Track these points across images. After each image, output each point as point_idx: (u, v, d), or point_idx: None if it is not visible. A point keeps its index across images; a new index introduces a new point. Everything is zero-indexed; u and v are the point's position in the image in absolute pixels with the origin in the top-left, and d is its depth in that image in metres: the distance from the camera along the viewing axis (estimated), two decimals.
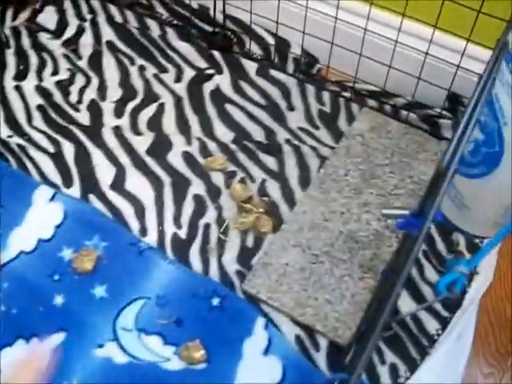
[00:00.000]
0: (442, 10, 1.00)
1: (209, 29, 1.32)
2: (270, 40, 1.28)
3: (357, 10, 1.15)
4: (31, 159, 1.14)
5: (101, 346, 0.93)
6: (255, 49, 1.29)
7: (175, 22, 1.35)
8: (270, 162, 1.15)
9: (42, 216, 1.07)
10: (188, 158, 1.15)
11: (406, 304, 0.99)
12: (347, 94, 1.23)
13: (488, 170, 0.67)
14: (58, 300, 0.97)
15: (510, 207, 0.70)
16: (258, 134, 1.19)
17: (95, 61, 1.30)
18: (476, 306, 1.02)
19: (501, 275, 1.06)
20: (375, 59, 1.15)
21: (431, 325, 0.98)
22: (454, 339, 0.98)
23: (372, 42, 1.15)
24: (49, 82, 1.27)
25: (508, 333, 1.01)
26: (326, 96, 1.24)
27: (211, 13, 1.30)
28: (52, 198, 1.09)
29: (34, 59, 1.31)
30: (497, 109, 0.62)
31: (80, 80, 1.27)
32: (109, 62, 1.30)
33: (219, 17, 1.29)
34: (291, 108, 1.22)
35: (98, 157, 1.15)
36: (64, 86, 1.26)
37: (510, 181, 0.66)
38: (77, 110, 1.22)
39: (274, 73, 1.27)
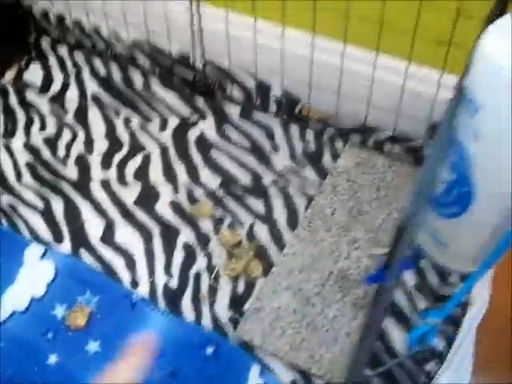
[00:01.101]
0: (414, 43, 1.02)
1: (190, 76, 1.34)
2: (251, 83, 1.29)
3: (332, 48, 1.16)
4: (21, 217, 1.15)
5: None
6: (237, 93, 1.31)
7: (158, 71, 1.37)
8: (258, 205, 1.16)
9: (34, 274, 1.08)
10: (176, 206, 1.16)
11: (400, 341, 0.99)
12: (330, 132, 1.24)
13: (462, 210, 0.68)
14: (52, 359, 0.98)
15: (487, 245, 0.71)
16: (244, 178, 1.20)
17: (81, 114, 1.32)
18: (472, 337, 1.01)
19: (496, 305, 1.05)
20: (354, 95, 1.16)
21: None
22: (452, 373, 0.97)
23: (350, 78, 1.16)
24: (36, 139, 1.28)
25: (507, 363, 1.01)
26: (309, 134, 1.25)
27: (191, 60, 1.31)
28: (43, 256, 1.10)
29: (21, 116, 1.33)
30: (463, 150, 0.62)
31: (67, 135, 1.29)
32: (94, 115, 1.32)
33: (200, 63, 1.31)
34: (276, 149, 1.24)
35: (86, 211, 1.16)
36: (51, 142, 1.28)
37: (483, 219, 0.66)
38: (64, 164, 1.24)
39: (256, 115, 1.28)
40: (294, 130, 1.26)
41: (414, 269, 0.99)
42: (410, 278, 1.04)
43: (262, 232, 1.12)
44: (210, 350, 0.99)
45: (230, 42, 1.23)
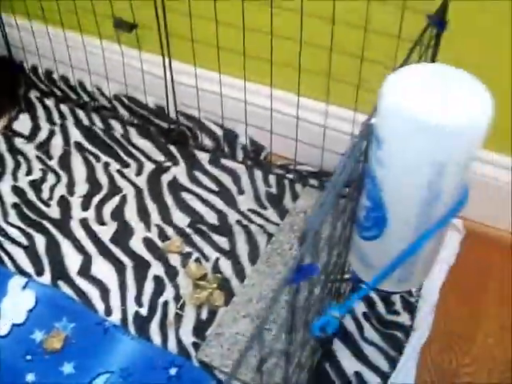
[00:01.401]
0: (358, 95, 1.15)
1: (165, 126, 1.47)
2: (219, 132, 1.42)
3: (288, 100, 1.29)
4: (6, 252, 1.26)
5: None
6: (207, 141, 1.44)
7: (136, 121, 1.50)
8: (223, 241, 1.27)
9: (16, 303, 1.18)
10: (148, 242, 1.27)
11: (348, 362, 1.09)
12: (291, 176, 1.37)
13: (379, 233, 0.79)
14: (30, 378, 1.07)
15: (407, 264, 0.82)
16: (211, 217, 1.31)
17: (65, 160, 1.45)
18: (415, 360, 1.11)
19: (439, 330, 1.16)
20: (311, 143, 1.29)
21: (373, 379, 1.07)
22: None
23: (306, 127, 1.29)
24: (23, 182, 1.40)
25: (447, 382, 1.10)
26: (272, 179, 1.37)
27: (166, 111, 1.45)
28: (25, 286, 1.20)
29: (10, 162, 1.45)
30: (374, 179, 0.74)
31: (51, 178, 1.41)
32: (77, 160, 1.44)
33: (174, 114, 1.44)
34: (241, 192, 1.36)
35: (66, 247, 1.27)
36: (36, 185, 1.40)
37: (398, 240, 0.78)
38: (48, 205, 1.35)
39: (224, 161, 1.41)
40: (258, 174, 1.38)
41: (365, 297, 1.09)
42: (359, 306, 1.15)
43: (226, 266, 1.23)
44: (173, 371, 1.08)
45: (199, 95, 1.37)
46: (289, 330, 0.72)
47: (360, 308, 1.16)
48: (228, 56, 1.27)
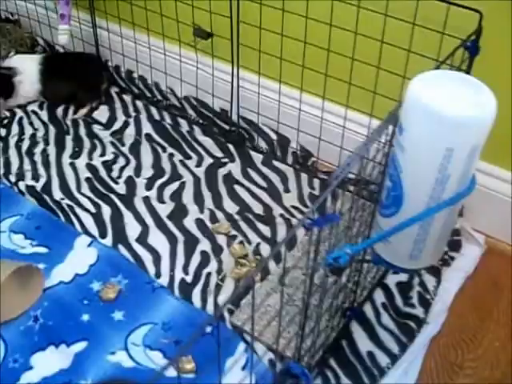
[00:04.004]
0: None
1: (226, 127, 1.65)
2: (274, 136, 1.59)
3: (338, 111, 1.45)
4: (76, 215, 1.44)
5: (113, 353, 1.18)
6: (262, 143, 1.61)
7: (201, 121, 1.69)
8: (265, 230, 1.43)
9: (80, 257, 1.35)
10: (199, 223, 1.44)
11: (363, 344, 1.22)
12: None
13: (396, 210, 0.93)
14: (85, 317, 1.24)
15: (418, 241, 0.95)
16: (258, 209, 1.47)
17: (135, 147, 1.64)
18: (424, 349, 1.24)
19: (450, 328, 1.28)
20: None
21: (383, 359, 1.20)
22: (401, 373, 1.19)
23: (351, 138, 1.45)
24: (97, 161, 1.60)
25: (450, 373, 1.22)
26: (316, 183, 1.53)
27: (229, 114, 1.63)
28: (89, 245, 1.38)
29: (87, 144, 1.65)
30: (395, 161, 0.89)
31: (121, 161, 1.60)
32: (145, 149, 1.63)
33: (235, 117, 1.62)
34: (287, 190, 1.52)
35: (128, 217, 1.45)
36: (108, 165, 1.59)
37: (411, 217, 0.92)
38: (116, 182, 1.54)
39: (275, 163, 1.58)
40: (304, 177, 1.54)
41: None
42: (378, 296, 1.29)
43: (265, 250, 1.39)
44: (208, 329, 1.23)
45: (260, 102, 1.54)
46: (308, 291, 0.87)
47: (380, 299, 1.29)
48: (288, 68, 1.44)
